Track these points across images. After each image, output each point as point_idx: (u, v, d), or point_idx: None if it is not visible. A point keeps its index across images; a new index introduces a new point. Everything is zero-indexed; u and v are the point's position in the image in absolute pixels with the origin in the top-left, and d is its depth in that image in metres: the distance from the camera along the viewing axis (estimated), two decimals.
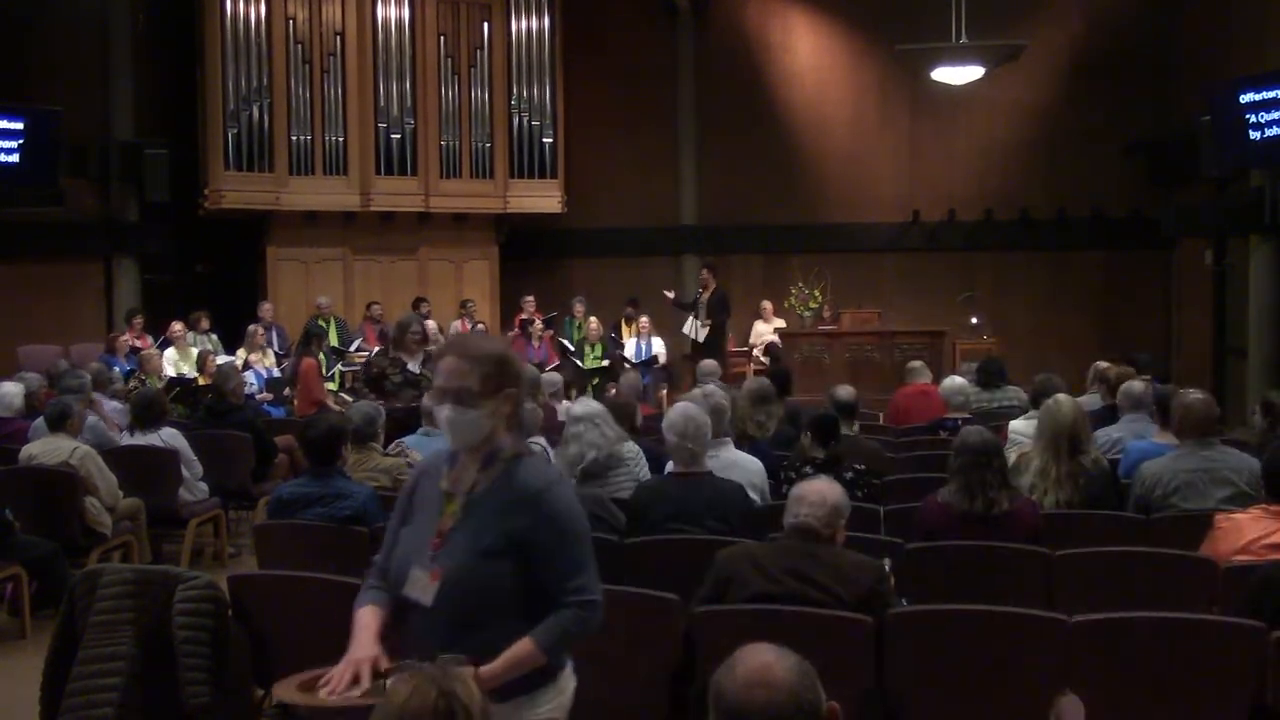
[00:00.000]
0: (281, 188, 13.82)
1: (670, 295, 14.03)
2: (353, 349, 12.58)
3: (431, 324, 13.13)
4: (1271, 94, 10.97)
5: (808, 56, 15.88)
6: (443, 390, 2.75)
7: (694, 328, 13.23)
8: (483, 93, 14.64)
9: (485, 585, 2.68)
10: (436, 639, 2.63)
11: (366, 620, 2.77)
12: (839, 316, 14.03)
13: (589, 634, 2.74)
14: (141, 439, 7.35)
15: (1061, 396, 5.59)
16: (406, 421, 6.84)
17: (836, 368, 13.00)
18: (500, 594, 2.68)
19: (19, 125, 11.91)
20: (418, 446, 6.13)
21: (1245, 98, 11.11)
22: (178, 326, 11.63)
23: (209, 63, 13.50)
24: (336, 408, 9.14)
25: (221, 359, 10.95)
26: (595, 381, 12.53)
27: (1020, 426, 6.63)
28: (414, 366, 8.04)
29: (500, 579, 2.67)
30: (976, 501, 4.52)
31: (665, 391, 13.18)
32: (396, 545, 2.85)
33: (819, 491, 3.75)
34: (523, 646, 2.64)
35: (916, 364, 9.18)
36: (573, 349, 13.26)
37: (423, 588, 2.71)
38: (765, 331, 14.19)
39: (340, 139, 14.06)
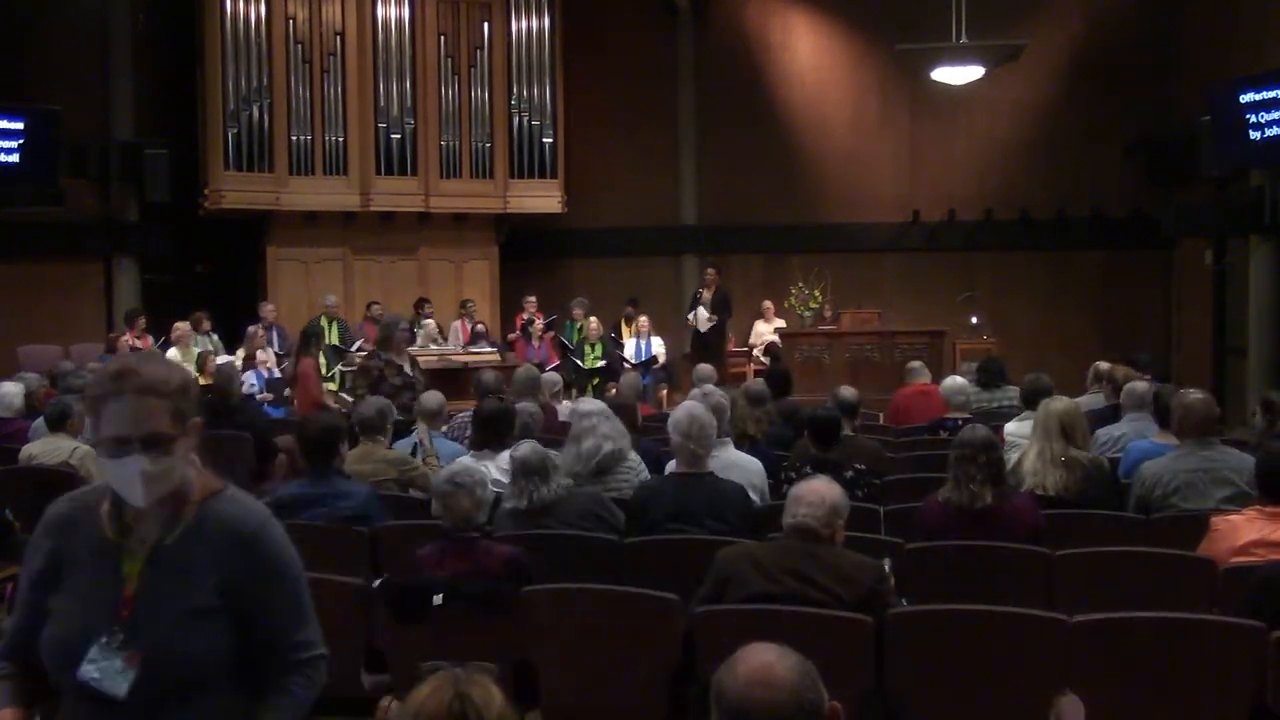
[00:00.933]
0: (281, 188, 13.82)
1: None
2: (354, 349, 12.58)
3: (431, 323, 13.19)
4: (1271, 94, 10.96)
5: (808, 56, 15.87)
6: (122, 440, 2.16)
7: (697, 317, 13.23)
8: (483, 93, 14.64)
9: (200, 656, 2.19)
10: None
11: None
12: (839, 316, 14.00)
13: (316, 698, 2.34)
14: None
15: (1058, 396, 5.68)
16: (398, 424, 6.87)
17: (836, 368, 12.97)
18: (215, 663, 2.21)
19: (19, 125, 11.91)
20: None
21: (1245, 98, 11.10)
22: (183, 327, 11.62)
23: (209, 63, 13.49)
24: (336, 407, 9.14)
25: (222, 359, 10.93)
26: (595, 381, 12.53)
27: (1014, 429, 6.61)
28: (406, 368, 8.28)
29: (216, 644, 2.21)
30: (962, 494, 4.54)
31: (665, 391, 13.20)
32: (50, 616, 2.24)
33: (817, 491, 3.75)
34: None
35: (916, 364, 9.17)
36: (572, 349, 13.26)
37: (113, 674, 2.16)
38: (765, 331, 14.19)
39: (340, 139, 14.06)
